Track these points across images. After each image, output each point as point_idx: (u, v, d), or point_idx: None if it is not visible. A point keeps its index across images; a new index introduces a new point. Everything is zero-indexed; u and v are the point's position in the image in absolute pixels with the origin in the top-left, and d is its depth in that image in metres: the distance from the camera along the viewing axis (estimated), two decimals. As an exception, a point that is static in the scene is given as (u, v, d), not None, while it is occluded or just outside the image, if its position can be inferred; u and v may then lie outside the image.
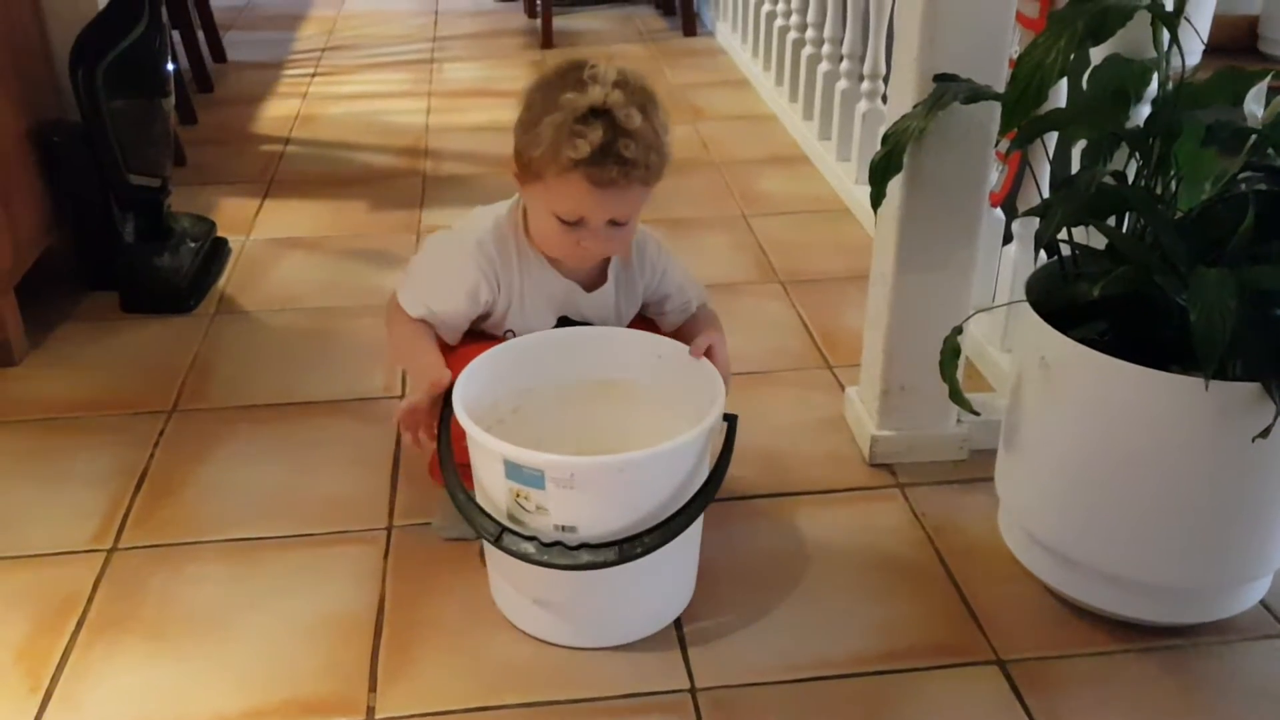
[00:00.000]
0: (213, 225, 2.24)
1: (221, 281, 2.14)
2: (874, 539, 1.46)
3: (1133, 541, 1.25)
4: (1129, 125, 1.33)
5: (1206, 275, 1.13)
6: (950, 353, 1.35)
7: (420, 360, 1.34)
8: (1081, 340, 1.23)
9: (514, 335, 1.40)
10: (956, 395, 1.37)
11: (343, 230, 2.36)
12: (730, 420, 1.28)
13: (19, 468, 1.63)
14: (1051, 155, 1.55)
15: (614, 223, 1.28)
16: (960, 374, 1.47)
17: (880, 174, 1.38)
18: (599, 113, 1.19)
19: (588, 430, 1.39)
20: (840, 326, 1.97)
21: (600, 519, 1.19)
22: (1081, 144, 1.40)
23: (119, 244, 2.07)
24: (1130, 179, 1.29)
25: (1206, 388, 1.11)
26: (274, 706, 1.23)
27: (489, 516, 1.22)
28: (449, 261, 1.37)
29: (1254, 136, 1.21)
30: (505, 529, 1.20)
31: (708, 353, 1.32)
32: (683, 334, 1.43)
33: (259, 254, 2.26)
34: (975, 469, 1.58)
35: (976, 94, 1.34)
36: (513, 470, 1.17)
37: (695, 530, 1.29)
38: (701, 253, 2.23)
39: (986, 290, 1.77)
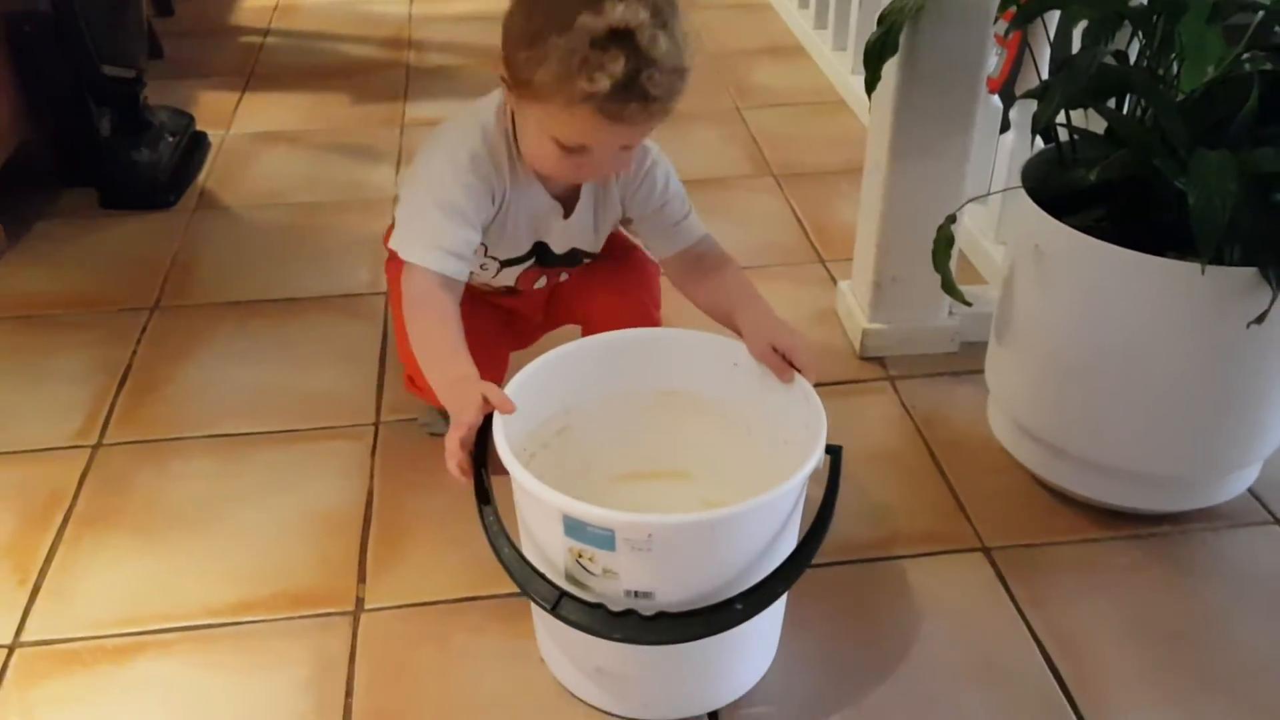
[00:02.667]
0: (191, 119, 2.19)
1: (201, 176, 2.10)
2: (863, 431, 1.46)
3: (1123, 430, 1.24)
4: (1132, 3, 1.28)
5: (1206, 158, 1.11)
6: (943, 242, 1.32)
7: (451, 375, 1.07)
8: (1077, 227, 1.21)
9: (486, 252, 1.23)
10: (949, 286, 1.35)
11: (324, 124, 2.31)
12: (835, 454, 1.04)
13: (3, 366, 1.61)
14: (1052, 37, 1.51)
15: (623, 147, 1.10)
16: (954, 266, 1.45)
17: (875, 56, 1.34)
18: (619, 36, 0.97)
19: (647, 451, 1.19)
20: (834, 220, 1.94)
21: (682, 584, 0.96)
22: (1083, 24, 1.36)
23: (96, 139, 2.02)
24: (1132, 60, 1.25)
25: (1203, 272, 1.09)
26: (263, 599, 1.23)
27: (543, 578, 0.96)
28: (449, 186, 1.14)
29: (1260, 14, 1.17)
30: (564, 594, 0.95)
31: (792, 360, 1.09)
32: (699, 291, 1.23)
33: (239, 148, 2.21)
34: (966, 361, 1.56)
35: (974, -29, 1.29)
36: (574, 528, 0.94)
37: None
38: (693, 146, 2.18)
39: (982, 181, 1.74)
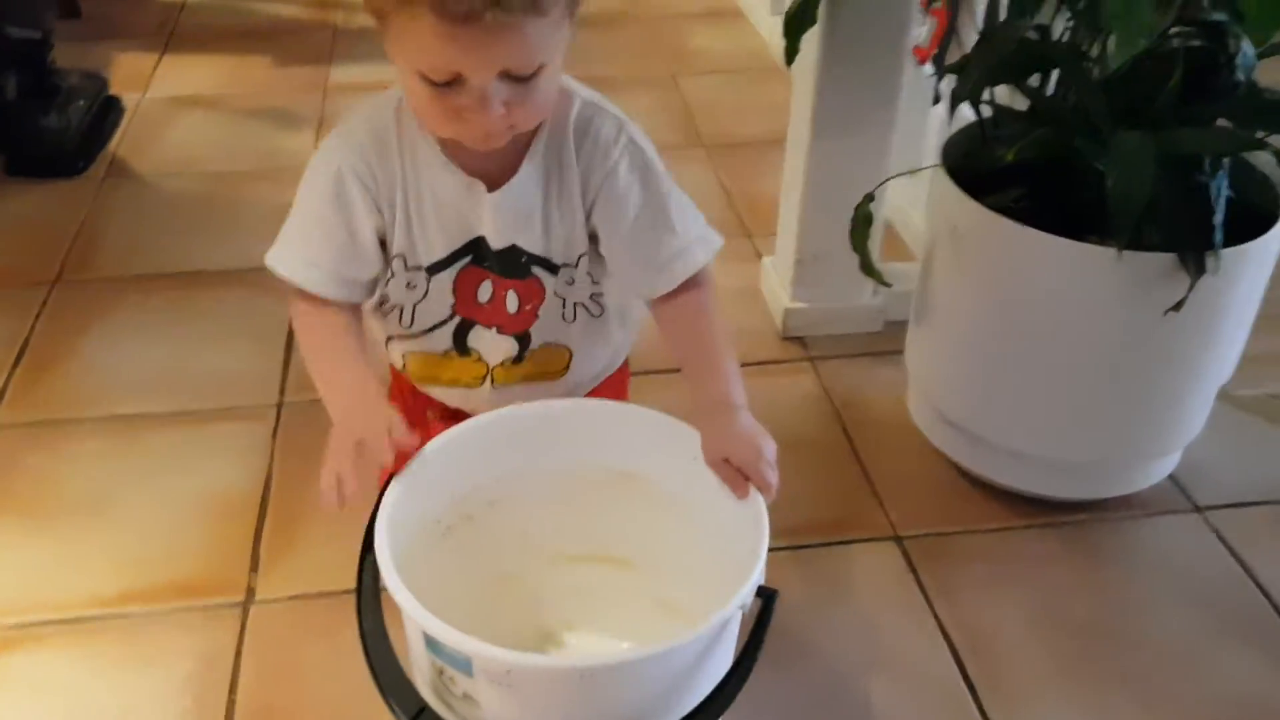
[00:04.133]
0: (104, 82, 2.10)
1: (113, 143, 2.02)
2: (780, 414, 1.42)
3: (1039, 416, 1.22)
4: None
5: (1127, 139, 1.08)
6: (862, 221, 1.29)
7: (335, 384, 0.91)
8: (994, 208, 1.17)
9: (405, 264, 0.96)
10: (868, 266, 1.31)
11: (245, 88, 2.23)
12: (767, 599, 0.86)
13: (-112, 341, 1.54)
14: (984, 5, 1.46)
15: (513, 78, 0.82)
16: (879, 244, 1.41)
17: (795, 25, 1.30)
18: None
19: (593, 532, 1.03)
20: (763, 193, 1.89)
21: None
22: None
23: (1, 103, 1.93)
24: (1056, 35, 1.22)
25: (1120, 256, 1.06)
26: (153, 588, 1.18)
27: (408, 685, 0.82)
28: (314, 176, 0.93)
29: (1186, -13, 1.13)
30: (424, 708, 0.82)
31: (748, 476, 0.89)
32: (668, 336, 0.96)
33: (155, 113, 2.13)
34: (890, 341, 1.53)
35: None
36: (432, 643, 0.82)
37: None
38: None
39: (914, 155, 1.70)
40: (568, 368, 1.03)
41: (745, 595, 0.84)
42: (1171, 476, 1.32)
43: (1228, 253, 1.08)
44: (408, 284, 0.97)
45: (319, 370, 0.93)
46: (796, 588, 1.19)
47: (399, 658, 0.82)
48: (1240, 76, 1.10)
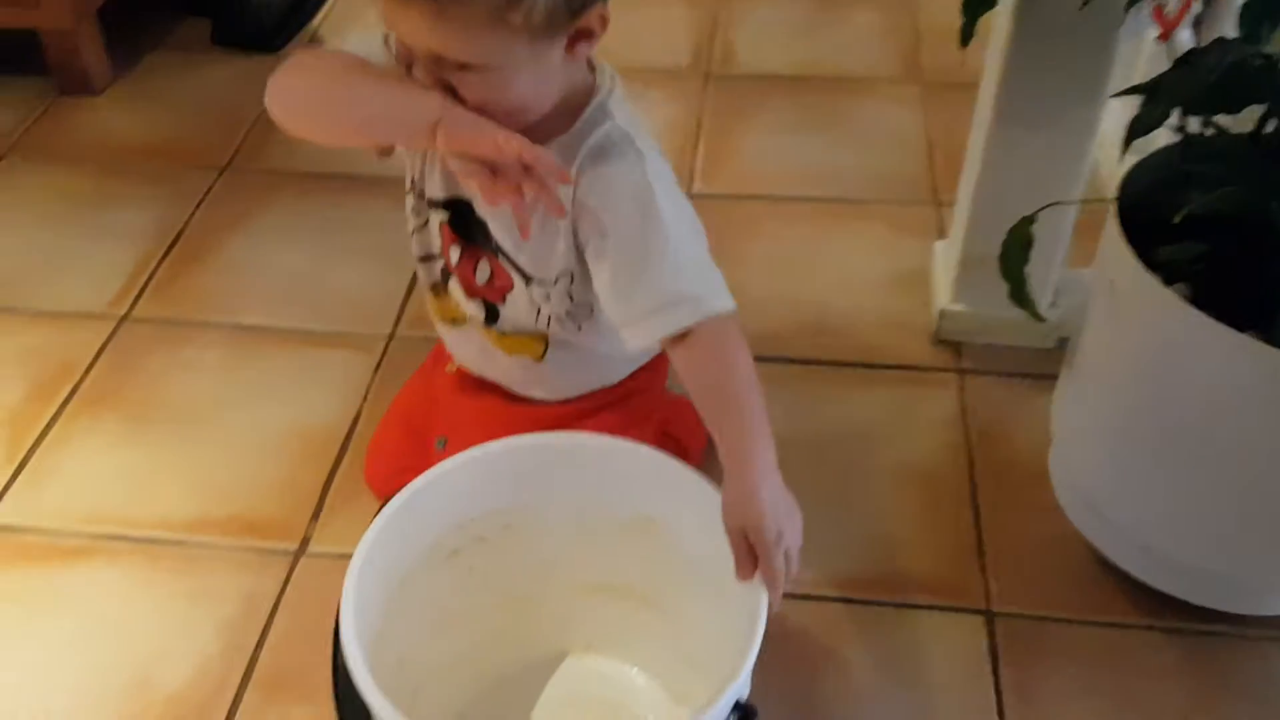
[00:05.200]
0: (321, -45, 2.09)
1: (315, 21, 2.02)
2: (902, 435, 1.27)
3: (1184, 515, 1.02)
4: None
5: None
6: (1017, 244, 1.09)
7: (361, 89, 0.86)
8: (1166, 264, 0.97)
9: (413, 185, 0.99)
10: (1019, 295, 1.13)
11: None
12: (746, 715, 0.79)
13: (70, 212, 1.62)
14: None
15: (461, 66, 0.79)
16: (1060, 254, 1.22)
17: (973, 3, 1.10)
18: None
19: (611, 567, 0.98)
20: (969, 153, 1.68)
21: None
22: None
23: (216, -33, 1.97)
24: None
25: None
26: (218, 520, 1.20)
27: None
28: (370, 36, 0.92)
29: None
30: None
31: (760, 566, 0.80)
32: (686, 383, 0.87)
33: (364, -9, 2.11)
34: (1058, 363, 1.33)
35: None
36: None
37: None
38: (841, 35, 1.93)
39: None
40: (544, 356, 1.01)
41: (719, 712, 0.75)
42: (1353, 598, 1.09)
43: None
44: (413, 208, 1.01)
45: (336, 93, 0.87)
46: (851, 649, 1.07)
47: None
48: None
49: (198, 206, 1.62)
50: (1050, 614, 1.10)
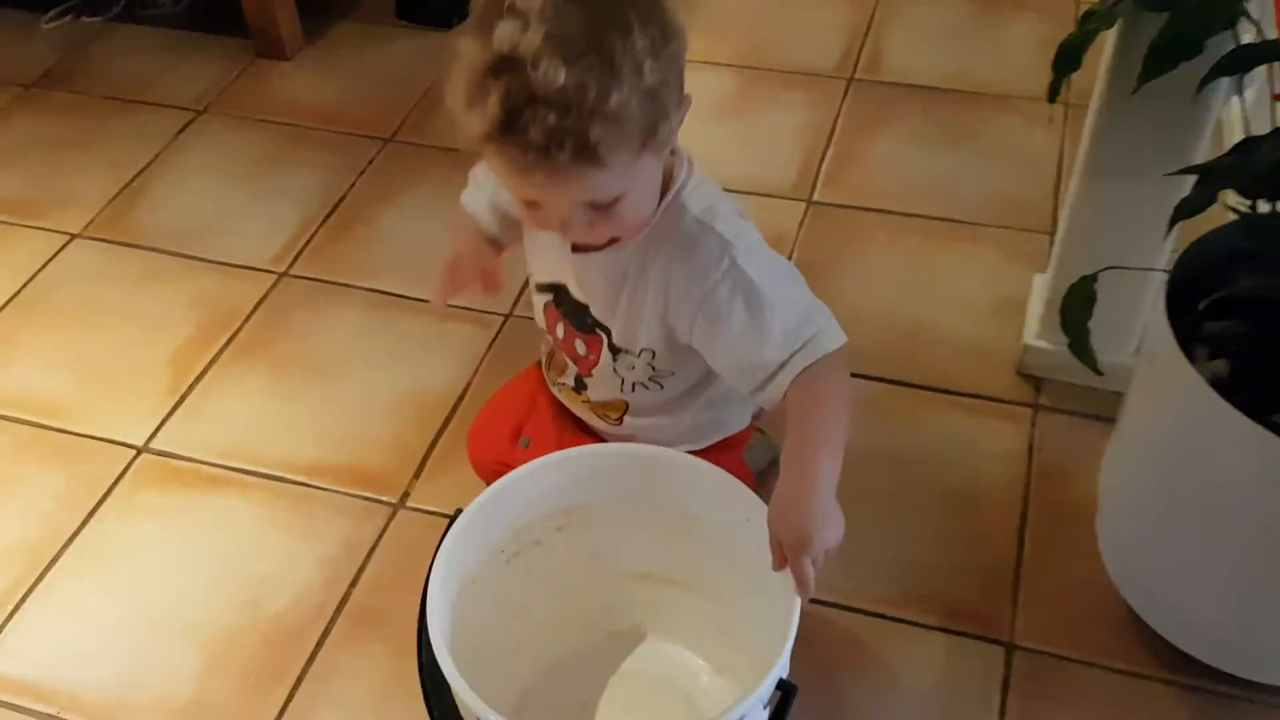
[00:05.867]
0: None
1: (491, 0, 2.15)
2: (970, 463, 1.32)
3: (1199, 582, 1.05)
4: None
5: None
6: (1079, 299, 1.13)
7: (452, 229, 1.15)
8: (1208, 340, 1.00)
9: (530, 272, 1.12)
10: (1078, 346, 1.16)
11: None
12: (787, 693, 0.89)
13: (250, 171, 1.81)
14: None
15: (593, 206, 0.88)
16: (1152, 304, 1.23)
17: (1061, 63, 1.13)
18: (507, 65, 0.79)
19: (657, 558, 1.10)
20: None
21: None
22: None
23: (404, -57, 2.11)
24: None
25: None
26: (332, 466, 1.37)
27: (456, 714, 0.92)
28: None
29: None
30: None
31: (790, 568, 0.88)
32: (789, 418, 0.94)
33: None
34: (1135, 410, 1.35)
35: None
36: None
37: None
38: (995, 44, 1.94)
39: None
40: (621, 422, 1.10)
41: (764, 691, 0.87)
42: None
43: None
44: (533, 288, 1.12)
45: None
46: (871, 659, 1.15)
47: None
48: None
49: (359, 176, 1.78)
50: (1069, 654, 1.15)
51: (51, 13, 2.15)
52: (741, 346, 0.94)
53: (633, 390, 1.09)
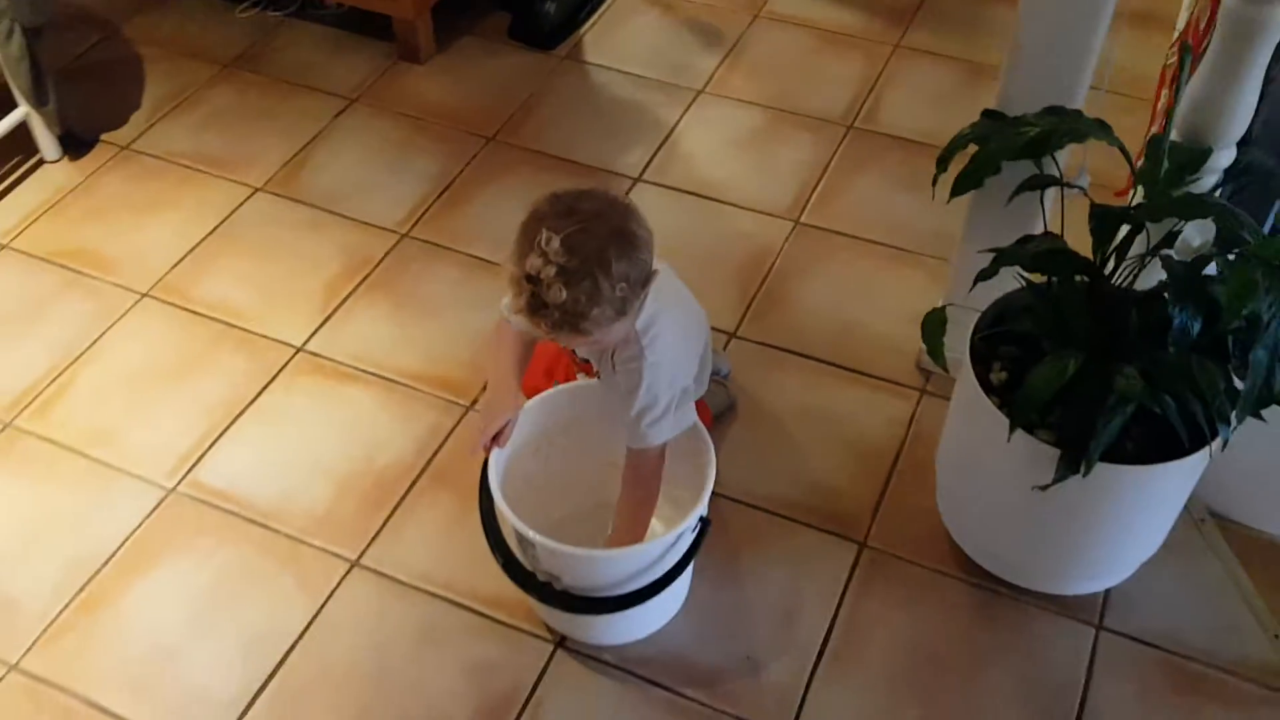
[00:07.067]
0: (602, -27, 2.77)
1: (584, 29, 2.71)
2: (869, 423, 1.89)
3: (988, 519, 1.63)
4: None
5: (1063, 353, 1.42)
6: (934, 324, 1.68)
7: (491, 378, 1.64)
8: (1000, 355, 1.56)
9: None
10: (935, 353, 1.71)
11: None
12: (704, 523, 1.52)
13: (385, 152, 2.42)
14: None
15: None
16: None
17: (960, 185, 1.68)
18: (529, 279, 1.30)
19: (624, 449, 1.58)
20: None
21: (574, 579, 1.52)
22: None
23: (522, -25, 2.68)
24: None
25: (1008, 439, 1.44)
26: (429, 376, 1.98)
27: (504, 542, 1.54)
28: None
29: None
30: (511, 557, 1.53)
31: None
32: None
33: (626, 4, 2.77)
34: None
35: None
36: (516, 533, 1.50)
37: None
38: (967, 107, 2.43)
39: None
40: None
41: (692, 520, 1.50)
42: (1108, 593, 1.66)
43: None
44: None
45: (490, 363, 1.63)
46: (761, 539, 1.74)
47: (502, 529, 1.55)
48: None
49: (466, 165, 2.38)
50: (900, 554, 1.73)
51: (245, 4, 2.78)
52: (639, 398, 1.49)
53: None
